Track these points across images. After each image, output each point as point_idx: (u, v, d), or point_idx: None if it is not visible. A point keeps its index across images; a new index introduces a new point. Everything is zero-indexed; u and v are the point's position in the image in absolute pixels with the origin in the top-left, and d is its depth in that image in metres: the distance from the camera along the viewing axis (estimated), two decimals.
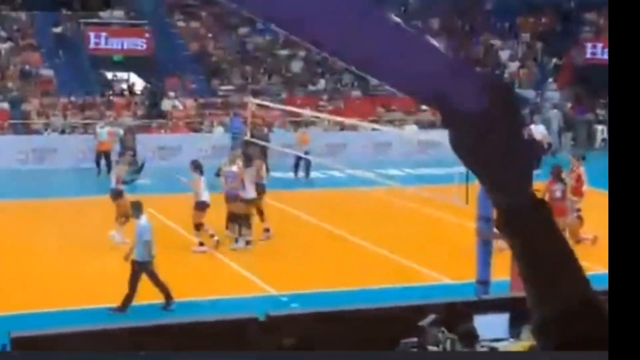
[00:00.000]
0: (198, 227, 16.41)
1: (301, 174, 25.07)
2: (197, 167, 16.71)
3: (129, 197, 16.32)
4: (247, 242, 16.62)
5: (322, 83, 33.56)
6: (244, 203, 16.63)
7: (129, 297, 12.64)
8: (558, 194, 14.59)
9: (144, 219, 13.21)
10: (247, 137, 24.50)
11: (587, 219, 17.76)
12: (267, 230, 17.40)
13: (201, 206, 16.33)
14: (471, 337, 8.10)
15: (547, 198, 12.47)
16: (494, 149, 1.29)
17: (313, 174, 24.90)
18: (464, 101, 1.22)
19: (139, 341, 8.99)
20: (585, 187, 16.17)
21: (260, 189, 17.33)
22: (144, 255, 12.81)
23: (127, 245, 14.07)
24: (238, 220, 16.66)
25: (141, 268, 12.70)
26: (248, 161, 17.29)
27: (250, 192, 16.71)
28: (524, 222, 1.36)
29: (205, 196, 16.44)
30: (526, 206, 1.36)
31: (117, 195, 17.00)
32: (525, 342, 7.98)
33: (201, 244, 16.37)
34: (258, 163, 17.71)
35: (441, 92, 1.21)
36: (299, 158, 24.31)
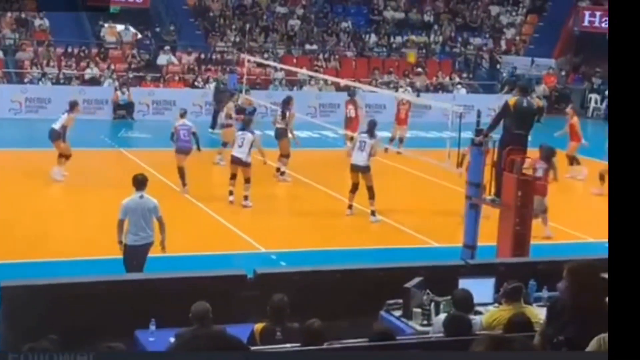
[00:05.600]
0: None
1: None
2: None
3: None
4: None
5: (318, 43, 33.40)
6: None
7: None
8: (540, 172, 14.39)
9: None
10: (243, 94, 24.45)
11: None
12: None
13: None
14: (467, 302, 8.15)
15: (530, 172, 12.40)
16: None
17: (306, 134, 24.89)
18: None
19: (128, 294, 9.10)
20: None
21: None
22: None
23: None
24: None
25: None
26: None
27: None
28: None
29: None
30: None
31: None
32: (507, 308, 8.06)
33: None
34: None
35: None
36: None
